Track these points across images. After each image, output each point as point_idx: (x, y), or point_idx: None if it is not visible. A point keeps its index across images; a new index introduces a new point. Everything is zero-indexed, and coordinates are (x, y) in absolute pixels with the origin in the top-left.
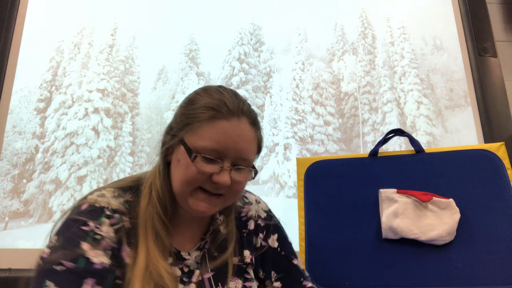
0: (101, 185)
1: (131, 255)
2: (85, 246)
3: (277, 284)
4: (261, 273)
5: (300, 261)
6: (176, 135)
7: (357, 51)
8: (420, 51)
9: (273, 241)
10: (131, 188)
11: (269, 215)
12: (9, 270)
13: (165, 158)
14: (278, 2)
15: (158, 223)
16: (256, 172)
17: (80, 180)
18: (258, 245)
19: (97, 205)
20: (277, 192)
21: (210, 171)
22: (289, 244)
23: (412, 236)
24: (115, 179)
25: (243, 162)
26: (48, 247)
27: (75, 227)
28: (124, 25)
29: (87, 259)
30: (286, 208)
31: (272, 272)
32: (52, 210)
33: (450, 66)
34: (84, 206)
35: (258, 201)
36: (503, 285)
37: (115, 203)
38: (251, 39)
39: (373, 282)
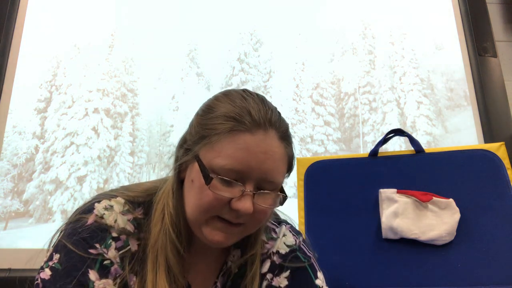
0: (101, 185)
1: (140, 286)
2: (93, 275)
3: None
4: None
5: None
6: (190, 150)
7: (357, 51)
8: (420, 51)
9: (280, 280)
10: (143, 204)
11: (292, 251)
12: (9, 270)
13: (179, 175)
14: (278, 2)
15: (172, 254)
16: (285, 198)
17: (80, 180)
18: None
19: (103, 222)
20: None
21: (229, 196)
22: (308, 278)
23: (412, 236)
24: (115, 179)
25: (269, 185)
26: (50, 268)
27: (81, 249)
28: (124, 25)
29: None
30: (286, 208)
31: None
32: (52, 210)
33: (450, 66)
34: (90, 221)
35: (285, 235)
36: (503, 285)
37: (122, 222)
38: (251, 39)
39: (373, 282)
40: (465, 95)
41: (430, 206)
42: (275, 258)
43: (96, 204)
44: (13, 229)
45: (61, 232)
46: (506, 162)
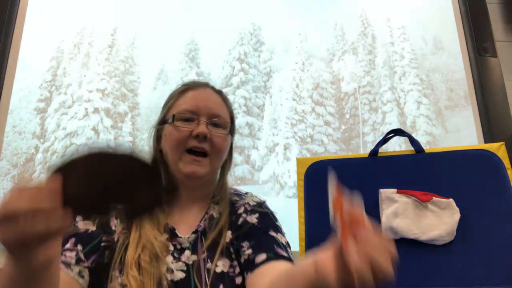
0: None
1: (120, 226)
2: (78, 218)
3: (249, 251)
4: (233, 249)
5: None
6: (159, 119)
7: (357, 51)
8: (420, 51)
9: (252, 218)
10: None
11: (259, 204)
12: None
13: (158, 145)
14: (278, 2)
15: None
16: (232, 126)
17: None
18: (239, 223)
19: None
20: (277, 192)
21: (189, 128)
22: (272, 222)
23: (412, 236)
24: None
25: (218, 119)
26: None
27: None
28: (124, 25)
29: (75, 225)
30: (286, 208)
31: (245, 243)
32: None
33: (450, 66)
34: None
35: (251, 195)
36: (503, 285)
37: None
38: (251, 39)
39: None
40: (465, 95)
41: (430, 206)
42: (246, 206)
43: None
44: None
45: None
46: (506, 162)
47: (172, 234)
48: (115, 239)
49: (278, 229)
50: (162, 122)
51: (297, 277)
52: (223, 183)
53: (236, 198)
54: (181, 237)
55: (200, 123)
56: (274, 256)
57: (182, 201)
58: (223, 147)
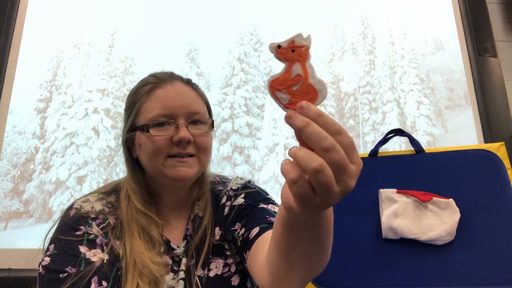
0: (101, 185)
1: (122, 247)
2: (83, 249)
3: (242, 231)
4: (228, 237)
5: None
6: (128, 128)
7: (357, 51)
8: (420, 51)
9: (238, 200)
10: (114, 191)
11: (244, 185)
12: (9, 270)
13: (130, 154)
14: (278, 2)
15: (141, 218)
16: (212, 122)
17: (80, 180)
18: (226, 213)
19: (82, 211)
20: (277, 192)
21: (167, 134)
22: (261, 196)
23: (412, 236)
24: (115, 179)
25: (197, 116)
26: (48, 255)
27: (69, 235)
28: (124, 25)
29: (87, 260)
30: None
31: (237, 224)
32: (52, 210)
33: (450, 66)
34: (72, 213)
35: (235, 179)
36: (503, 285)
37: (99, 206)
38: (251, 39)
39: (373, 282)
40: (465, 95)
41: (430, 206)
42: (230, 192)
43: (75, 202)
44: (13, 229)
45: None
46: (506, 162)
47: (168, 248)
48: (124, 264)
49: (269, 201)
50: (132, 129)
51: (276, 225)
52: (203, 177)
53: (220, 187)
54: (176, 249)
55: (179, 127)
56: (267, 225)
57: (168, 205)
58: (208, 145)
